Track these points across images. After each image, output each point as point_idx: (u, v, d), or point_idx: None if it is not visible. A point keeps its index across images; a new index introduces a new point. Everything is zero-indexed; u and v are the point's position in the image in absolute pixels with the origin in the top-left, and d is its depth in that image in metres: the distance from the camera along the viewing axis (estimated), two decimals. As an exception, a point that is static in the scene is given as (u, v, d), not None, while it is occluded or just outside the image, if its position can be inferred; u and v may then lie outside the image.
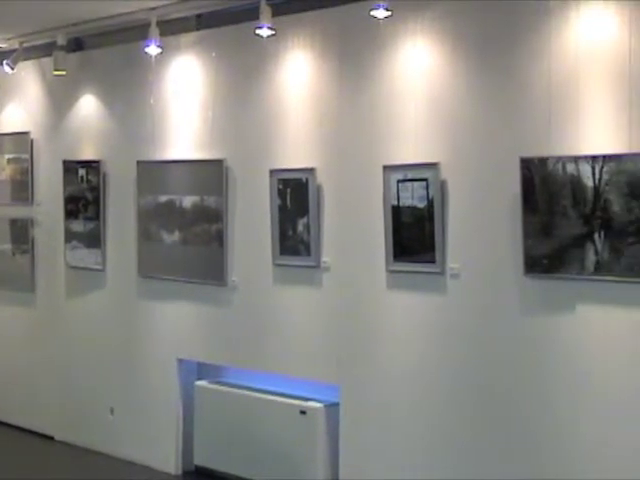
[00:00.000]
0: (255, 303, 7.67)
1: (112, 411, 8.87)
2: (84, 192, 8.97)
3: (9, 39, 9.21)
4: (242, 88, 7.74)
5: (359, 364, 6.95)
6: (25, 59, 9.20)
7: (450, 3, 6.35)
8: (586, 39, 5.68)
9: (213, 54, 7.92)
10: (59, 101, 9.31)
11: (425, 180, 6.42)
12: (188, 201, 8.07)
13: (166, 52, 7.91)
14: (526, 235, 5.88)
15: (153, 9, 7.75)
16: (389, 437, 6.78)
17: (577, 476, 5.77)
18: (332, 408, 7.18)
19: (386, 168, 6.64)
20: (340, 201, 7.06)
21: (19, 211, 9.74)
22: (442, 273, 6.40)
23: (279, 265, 7.44)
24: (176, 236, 8.18)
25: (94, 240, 8.91)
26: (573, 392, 5.80)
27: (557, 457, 5.88)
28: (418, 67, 6.54)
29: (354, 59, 6.93)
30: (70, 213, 9.12)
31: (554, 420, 5.89)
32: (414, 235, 6.54)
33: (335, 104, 7.06)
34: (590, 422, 5.73)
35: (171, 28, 7.96)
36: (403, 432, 6.70)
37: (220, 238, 7.84)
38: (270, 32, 7.00)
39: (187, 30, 8.18)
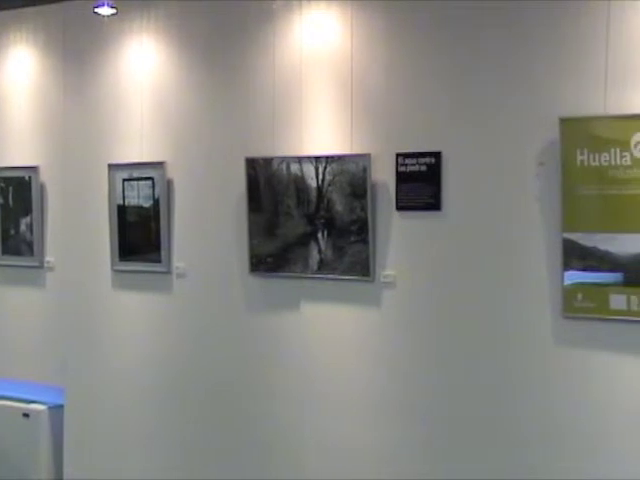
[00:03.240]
0: (-25, 305, 7.19)
1: None
2: None
3: None
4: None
5: (84, 365, 6.60)
6: None
7: (176, 3, 6.06)
8: (309, 40, 5.50)
9: None
10: None
11: (151, 179, 6.13)
12: None
13: None
14: (251, 234, 5.69)
15: None
16: (114, 437, 6.48)
17: (302, 473, 5.63)
18: (56, 410, 6.82)
19: (111, 167, 6.32)
20: (65, 200, 6.67)
21: None
22: (168, 272, 6.14)
23: (0, 265, 7.00)
24: None
25: None
26: (298, 389, 5.64)
27: (283, 454, 5.71)
28: (144, 66, 6.22)
29: (79, 56, 6.53)
30: None
31: (280, 417, 5.72)
32: (140, 234, 6.26)
33: (59, 101, 6.64)
34: (313, 418, 5.58)
35: None
36: (128, 431, 6.42)
37: (-61, 239, 7.24)
38: (-10, 26, 6.43)
39: None
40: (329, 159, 5.34)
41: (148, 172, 6.13)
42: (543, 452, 4.79)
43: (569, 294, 4.64)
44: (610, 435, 4.59)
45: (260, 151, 5.62)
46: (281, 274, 5.60)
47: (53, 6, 6.60)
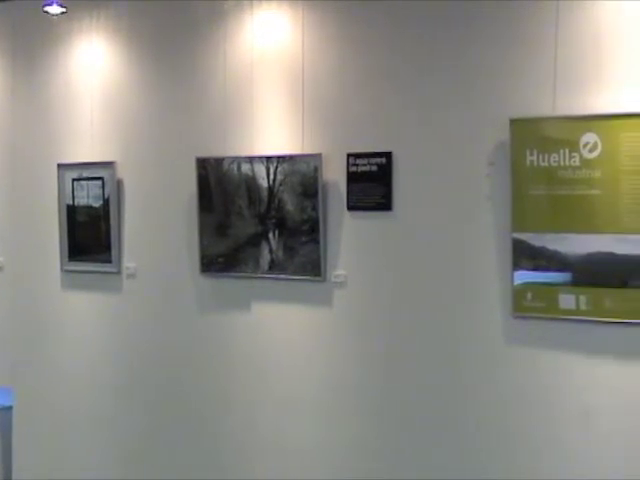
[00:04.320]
0: None
1: None
2: None
3: None
4: None
5: (33, 366, 6.48)
6: None
7: (126, 3, 5.95)
8: (260, 40, 5.40)
9: None
10: None
11: (101, 179, 6.00)
12: None
13: None
14: (202, 234, 5.59)
15: None
16: (64, 437, 6.37)
17: (254, 473, 5.53)
18: (5, 411, 6.73)
19: (61, 166, 6.20)
20: (13, 201, 6.54)
21: None
22: (118, 272, 6.03)
23: (-52, 266, 6.87)
24: None
25: None
26: (249, 389, 5.55)
27: (236, 456, 5.61)
28: (94, 65, 6.11)
29: (28, 55, 6.42)
30: None
31: (232, 417, 5.62)
32: (90, 234, 6.14)
33: (7, 101, 6.52)
34: (265, 418, 5.49)
35: None
36: (78, 432, 6.30)
37: None
38: (-62, 24, 6.25)
39: None
40: (280, 159, 5.25)
41: (98, 172, 6.00)
42: (493, 451, 4.73)
43: (519, 294, 4.59)
44: (559, 434, 4.54)
45: (211, 151, 5.52)
46: (232, 274, 5.50)
47: (1, 5, 6.45)
